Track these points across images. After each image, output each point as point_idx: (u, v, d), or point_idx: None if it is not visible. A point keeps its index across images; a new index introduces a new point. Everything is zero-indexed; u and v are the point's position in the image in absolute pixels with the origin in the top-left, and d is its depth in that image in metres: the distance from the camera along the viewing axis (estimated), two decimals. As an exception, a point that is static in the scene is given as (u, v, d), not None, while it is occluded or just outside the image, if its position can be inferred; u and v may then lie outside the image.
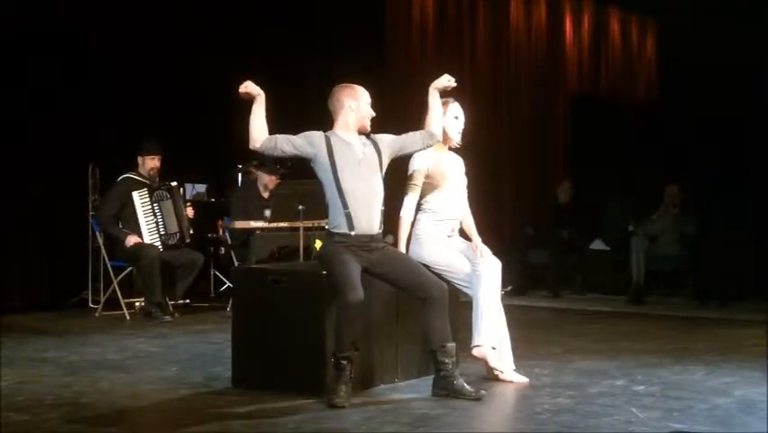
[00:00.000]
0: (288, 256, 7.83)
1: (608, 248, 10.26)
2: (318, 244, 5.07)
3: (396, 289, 5.08)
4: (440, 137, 5.20)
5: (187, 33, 9.02)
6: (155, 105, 8.80)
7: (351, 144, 4.97)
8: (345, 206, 4.88)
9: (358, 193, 4.90)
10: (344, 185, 4.89)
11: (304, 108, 9.15)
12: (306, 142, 4.94)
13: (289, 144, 4.93)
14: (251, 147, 4.91)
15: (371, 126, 5.08)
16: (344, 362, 4.71)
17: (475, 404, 4.74)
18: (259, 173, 8.49)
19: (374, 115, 5.06)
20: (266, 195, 8.33)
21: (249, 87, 4.85)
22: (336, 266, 4.80)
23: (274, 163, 8.19)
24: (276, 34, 9.58)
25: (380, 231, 5.00)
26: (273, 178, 8.35)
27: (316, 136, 4.97)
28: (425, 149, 5.18)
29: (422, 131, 5.12)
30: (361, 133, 5.03)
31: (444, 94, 5.22)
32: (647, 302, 9.41)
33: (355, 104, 5.00)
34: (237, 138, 9.05)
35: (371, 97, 5.08)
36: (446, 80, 5.09)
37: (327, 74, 9.08)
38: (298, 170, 8.35)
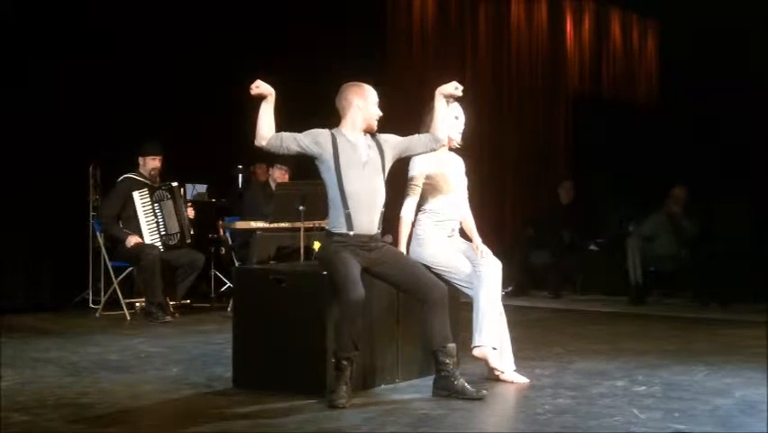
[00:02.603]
0: (287, 257, 7.84)
1: (599, 248, 10.26)
2: (317, 245, 5.06)
3: (395, 289, 5.08)
4: (444, 142, 5.20)
5: (187, 33, 9.02)
6: (155, 105, 8.79)
7: (356, 145, 4.95)
8: (346, 206, 4.88)
9: (360, 195, 4.89)
10: (347, 186, 4.88)
11: (304, 108, 9.16)
12: (311, 142, 4.93)
13: (295, 143, 4.91)
14: (256, 144, 4.89)
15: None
16: (345, 362, 4.71)
17: (476, 405, 4.74)
18: (270, 170, 8.52)
19: (381, 114, 5.05)
20: None
21: (261, 86, 4.85)
22: (337, 265, 4.79)
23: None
24: (276, 34, 9.58)
25: (379, 231, 5.00)
26: (284, 171, 8.36)
27: (323, 135, 4.95)
28: (428, 153, 5.18)
29: (427, 134, 5.11)
30: (367, 132, 5.03)
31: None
32: (648, 303, 9.41)
33: (363, 103, 4.99)
34: (237, 138, 9.12)
35: (373, 97, 5.08)
36: (453, 88, 5.06)
37: (327, 74, 9.10)
38: (300, 171, 8.39)
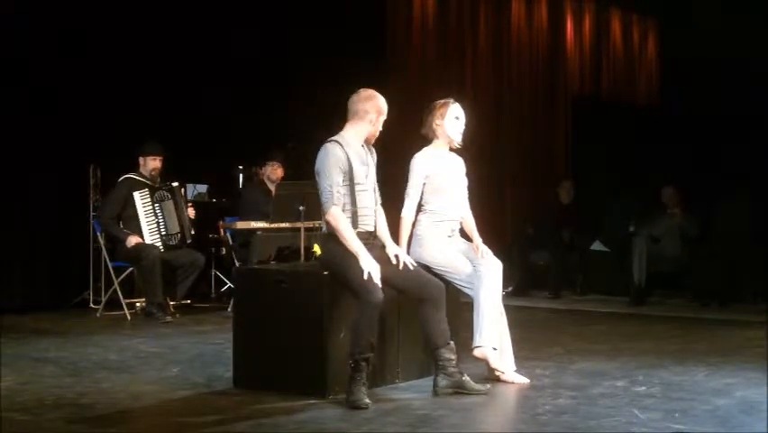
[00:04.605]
0: (288, 257, 7.84)
1: (609, 249, 10.25)
2: (317, 248, 5.06)
3: (393, 289, 5.07)
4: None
5: (186, 34, 9.01)
6: (155, 105, 8.79)
7: (362, 155, 4.99)
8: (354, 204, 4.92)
9: (363, 200, 4.97)
10: (356, 195, 4.92)
11: (304, 108, 9.15)
12: (342, 173, 4.88)
13: (341, 188, 4.88)
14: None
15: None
16: (364, 363, 4.72)
17: (476, 405, 4.75)
18: (263, 169, 8.53)
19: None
20: (273, 188, 8.31)
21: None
22: (354, 267, 4.77)
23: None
24: (276, 34, 9.57)
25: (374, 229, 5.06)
26: (275, 167, 8.36)
27: (342, 160, 4.89)
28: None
29: (380, 210, 5.11)
30: (364, 142, 5.07)
31: (445, 94, 5.22)
32: (648, 303, 9.40)
33: (376, 119, 5.02)
34: (237, 138, 9.13)
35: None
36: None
37: (327, 74, 9.09)
38: (298, 171, 8.39)
